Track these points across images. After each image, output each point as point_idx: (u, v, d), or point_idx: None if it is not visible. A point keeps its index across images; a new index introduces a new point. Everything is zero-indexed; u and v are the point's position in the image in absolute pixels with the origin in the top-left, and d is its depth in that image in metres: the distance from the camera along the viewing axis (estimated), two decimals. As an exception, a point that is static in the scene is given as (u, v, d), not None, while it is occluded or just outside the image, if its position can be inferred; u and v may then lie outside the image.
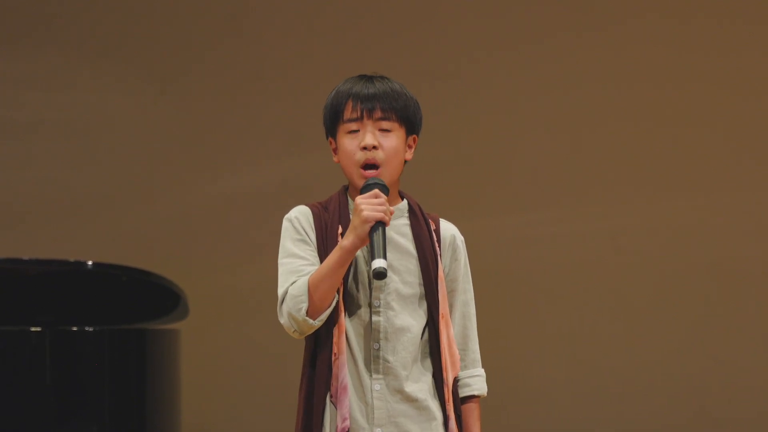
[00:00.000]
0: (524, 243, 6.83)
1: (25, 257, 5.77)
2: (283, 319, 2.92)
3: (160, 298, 5.67)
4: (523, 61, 6.97)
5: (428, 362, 3.00)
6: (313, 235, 2.98)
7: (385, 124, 2.97)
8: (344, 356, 2.92)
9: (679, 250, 6.82)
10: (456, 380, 3.02)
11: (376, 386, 2.94)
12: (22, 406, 5.05)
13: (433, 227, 3.05)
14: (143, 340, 5.40)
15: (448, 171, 6.87)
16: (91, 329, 5.20)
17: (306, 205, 3.05)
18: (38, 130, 7.28)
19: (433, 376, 2.99)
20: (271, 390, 7.00)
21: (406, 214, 3.04)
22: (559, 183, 6.92)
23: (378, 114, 2.96)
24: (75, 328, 5.21)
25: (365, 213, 2.85)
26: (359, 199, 2.88)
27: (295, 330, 2.91)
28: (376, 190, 2.89)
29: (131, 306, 5.71)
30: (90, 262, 5.52)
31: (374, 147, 2.95)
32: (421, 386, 2.97)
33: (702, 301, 6.81)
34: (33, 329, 5.14)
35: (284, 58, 7.14)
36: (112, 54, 7.26)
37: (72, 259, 5.67)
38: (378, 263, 2.81)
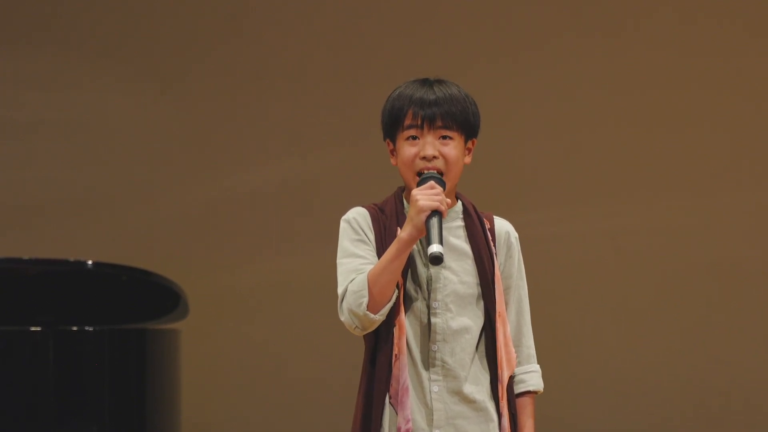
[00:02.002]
0: (524, 243, 6.81)
1: (25, 257, 5.77)
2: (344, 317, 2.92)
3: (160, 298, 5.68)
4: (523, 63, 6.97)
5: (485, 362, 3.00)
6: (372, 236, 2.99)
7: (445, 133, 2.99)
8: (405, 357, 2.93)
9: (679, 251, 6.83)
10: (512, 377, 3.03)
11: (435, 388, 2.94)
12: (22, 406, 5.05)
13: (488, 226, 3.08)
14: (143, 340, 5.40)
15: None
16: (91, 329, 5.20)
17: (363, 206, 3.05)
18: (38, 130, 7.28)
19: (491, 375, 3.00)
20: (271, 390, 7.01)
21: (461, 216, 3.06)
22: (559, 183, 6.93)
23: (438, 123, 2.98)
24: (75, 328, 5.21)
25: (421, 202, 2.86)
26: (415, 191, 2.90)
27: (356, 327, 2.91)
28: (432, 182, 2.91)
29: (131, 306, 5.71)
30: (90, 262, 5.52)
31: (434, 157, 2.97)
32: (479, 387, 2.98)
33: (702, 301, 6.81)
34: (33, 329, 5.14)
35: (284, 59, 7.14)
36: (112, 54, 7.26)
37: (72, 259, 5.67)
38: (435, 248, 2.83)
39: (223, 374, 7.09)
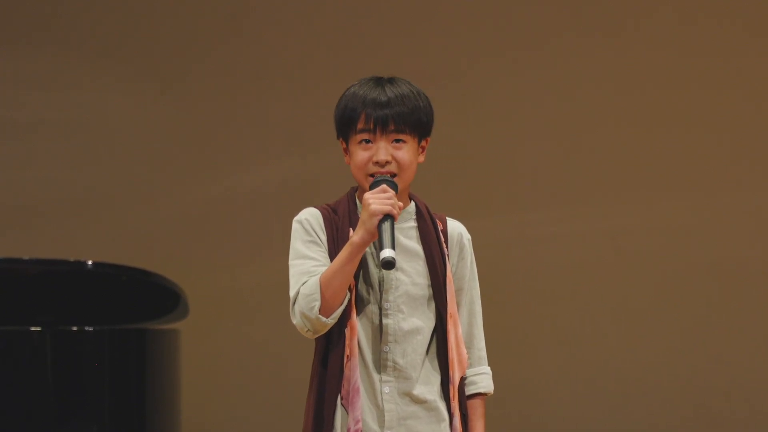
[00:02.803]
0: (524, 243, 6.83)
1: (25, 257, 5.77)
2: (296, 320, 2.93)
3: (160, 298, 5.67)
4: (523, 63, 6.97)
5: (436, 363, 3.01)
6: (324, 237, 3.00)
7: (397, 137, 2.99)
8: (356, 358, 2.93)
9: (679, 250, 6.82)
10: (463, 378, 3.03)
11: (386, 389, 2.95)
12: (22, 406, 5.05)
13: (440, 227, 3.07)
14: (143, 340, 5.40)
15: (448, 171, 6.86)
16: (91, 329, 5.20)
17: (315, 207, 3.07)
18: (38, 130, 7.28)
19: (441, 376, 3.00)
20: (271, 390, 7.00)
21: (414, 217, 3.06)
22: (559, 183, 6.92)
23: (391, 127, 2.98)
24: (75, 328, 5.21)
25: (373, 206, 2.87)
26: (367, 194, 2.91)
27: (308, 329, 2.91)
28: (384, 185, 2.91)
29: (131, 306, 5.71)
30: (90, 262, 5.52)
31: (387, 162, 2.97)
32: (430, 388, 2.99)
33: (702, 301, 6.80)
34: (33, 329, 5.13)
35: (284, 59, 7.14)
36: (112, 54, 7.26)
37: (72, 259, 5.67)
38: (387, 253, 2.83)
39: (223, 374, 7.09)
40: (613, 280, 6.86)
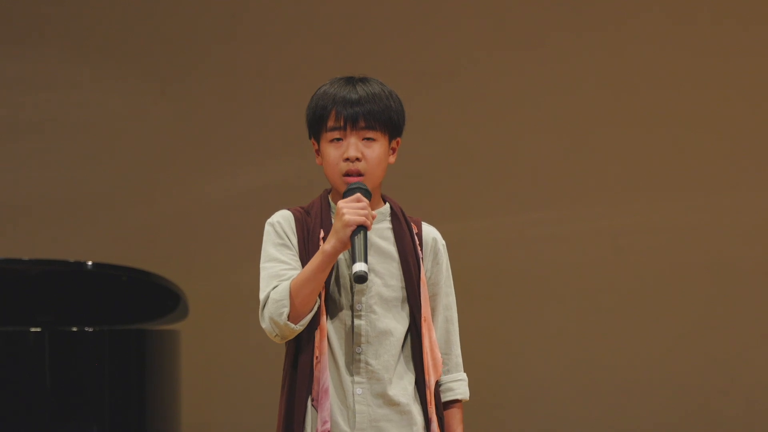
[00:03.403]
0: (524, 243, 6.83)
1: (25, 257, 5.77)
2: (265, 324, 2.91)
3: (160, 298, 5.67)
4: (523, 62, 6.97)
5: (411, 365, 2.99)
6: (294, 240, 2.97)
7: (368, 134, 2.97)
8: (326, 359, 2.91)
9: (679, 250, 6.82)
10: (438, 384, 3.02)
11: (358, 390, 2.94)
12: (21, 407, 5.05)
13: (415, 230, 3.05)
14: (143, 341, 5.40)
15: (448, 171, 6.87)
16: (90, 329, 5.20)
17: (288, 209, 3.04)
18: (38, 130, 7.28)
19: (416, 379, 2.99)
20: (271, 390, 6.97)
21: (389, 218, 3.04)
22: (559, 183, 6.92)
23: (361, 124, 2.96)
24: (75, 329, 5.21)
25: (347, 217, 2.84)
26: (341, 203, 2.88)
27: (276, 335, 2.90)
28: (359, 194, 2.89)
29: (131, 306, 5.71)
30: (90, 262, 5.52)
31: (357, 159, 2.95)
32: (403, 390, 2.97)
33: (702, 301, 6.80)
34: (33, 329, 5.14)
35: (284, 59, 7.14)
36: (113, 54, 7.26)
37: (72, 259, 5.67)
38: (359, 267, 2.81)
39: (222, 374, 7.08)
40: (613, 279, 6.86)
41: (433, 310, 3.04)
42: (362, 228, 2.85)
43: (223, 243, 7.14)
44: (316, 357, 2.91)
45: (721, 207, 6.81)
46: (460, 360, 3.09)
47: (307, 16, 7.15)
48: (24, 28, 7.29)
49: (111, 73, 7.28)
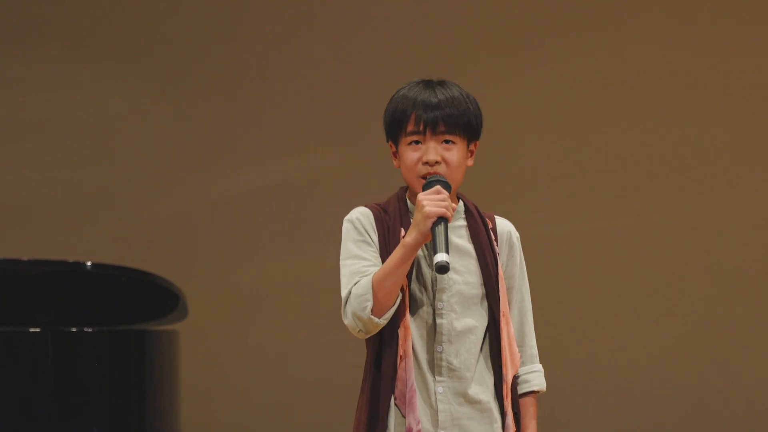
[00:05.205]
0: (524, 243, 6.81)
1: (25, 257, 5.77)
2: (348, 320, 2.91)
3: (159, 298, 5.68)
4: (523, 62, 6.97)
5: (490, 362, 3.00)
6: (375, 237, 2.98)
7: (447, 137, 2.98)
8: (411, 359, 2.92)
9: (678, 250, 6.83)
10: (516, 377, 3.03)
11: (440, 389, 2.94)
12: (21, 407, 5.05)
13: (490, 226, 3.07)
14: (143, 341, 5.41)
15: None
16: (90, 330, 5.20)
17: (366, 206, 3.04)
18: (38, 130, 7.28)
19: (495, 375, 2.99)
20: (271, 390, 7.00)
21: (463, 216, 3.06)
22: (559, 183, 6.92)
23: (441, 128, 2.97)
24: (75, 329, 5.21)
25: (427, 209, 2.85)
26: (421, 195, 2.89)
27: (360, 330, 2.90)
28: (438, 187, 2.90)
29: (131, 306, 5.71)
30: (90, 263, 5.52)
31: (437, 162, 2.96)
32: (483, 388, 2.98)
33: (701, 301, 6.81)
34: (33, 330, 5.14)
35: (284, 59, 7.14)
36: (113, 54, 7.26)
37: (72, 260, 5.67)
38: (441, 257, 2.82)
39: (223, 374, 7.09)
40: (613, 280, 6.86)
41: (509, 303, 3.05)
42: (443, 219, 2.86)
43: (223, 243, 7.14)
44: (401, 356, 2.92)
45: (721, 207, 6.81)
46: (535, 351, 3.10)
47: (307, 16, 7.15)
48: (24, 28, 7.29)
49: (111, 73, 7.28)
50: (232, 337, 7.07)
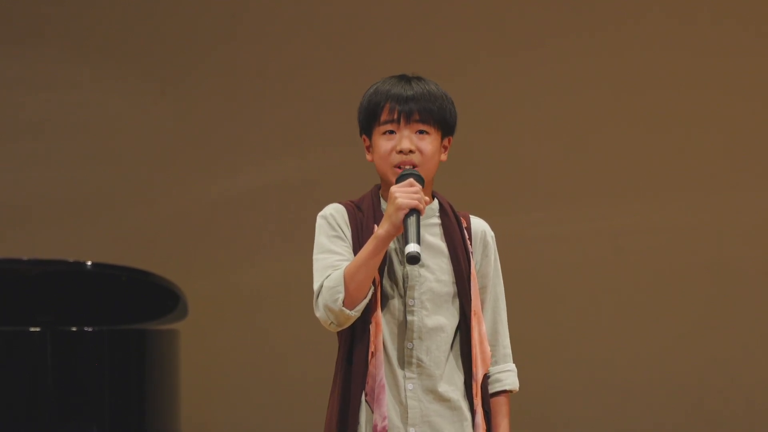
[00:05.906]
0: (524, 243, 6.83)
1: (25, 257, 5.77)
2: (319, 312, 2.92)
3: (159, 298, 5.68)
4: (523, 62, 6.97)
5: (460, 361, 3.00)
6: (348, 233, 2.99)
7: (421, 127, 2.97)
8: (381, 355, 2.92)
9: (678, 250, 6.82)
10: (486, 376, 3.03)
11: (409, 386, 2.94)
12: (21, 407, 5.05)
13: (464, 224, 3.06)
14: (143, 340, 5.41)
15: (448, 172, 6.85)
16: (90, 329, 5.21)
17: (340, 202, 3.06)
18: (39, 130, 7.28)
19: (465, 374, 3.00)
20: (270, 390, 7.00)
21: (437, 214, 3.04)
22: (559, 183, 6.92)
23: (415, 117, 2.96)
24: (75, 329, 5.21)
25: (399, 200, 2.86)
26: (394, 187, 2.90)
27: (331, 322, 2.91)
28: (411, 179, 2.90)
29: (131, 306, 5.71)
30: (90, 262, 5.52)
31: (411, 151, 2.96)
32: (453, 386, 2.98)
33: (701, 301, 6.81)
34: (33, 329, 5.14)
35: (284, 59, 7.14)
36: (113, 54, 7.26)
37: (72, 259, 5.67)
38: (411, 247, 2.83)
39: (223, 374, 7.09)
40: (613, 280, 6.86)
41: (482, 302, 3.05)
42: (415, 212, 2.86)
43: (223, 243, 7.14)
44: (372, 352, 2.92)
45: (721, 207, 6.81)
46: (508, 351, 3.12)
47: (307, 16, 7.15)
48: (24, 28, 7.29)
49: (111, 73, 7.28)
50: (232, 337, 7.07)
